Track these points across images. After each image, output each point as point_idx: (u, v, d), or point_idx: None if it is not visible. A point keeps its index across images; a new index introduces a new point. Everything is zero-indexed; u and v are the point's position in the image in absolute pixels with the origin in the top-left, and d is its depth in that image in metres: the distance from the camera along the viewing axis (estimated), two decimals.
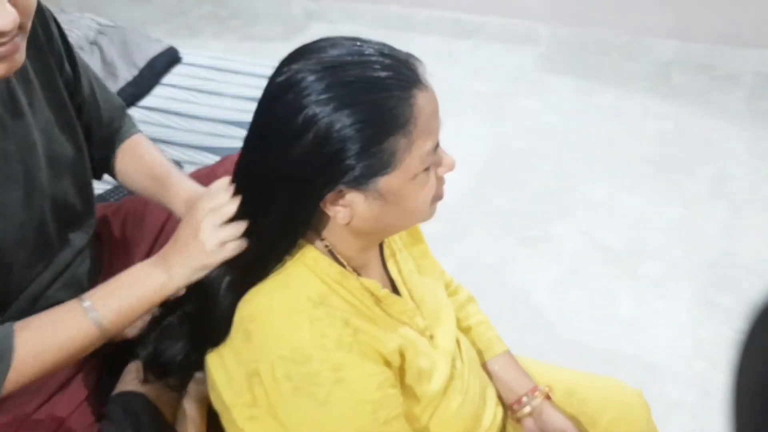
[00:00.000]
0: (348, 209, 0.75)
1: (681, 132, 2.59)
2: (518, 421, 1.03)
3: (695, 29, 2.94)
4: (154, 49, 2.02)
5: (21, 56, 0.76)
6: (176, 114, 1.80)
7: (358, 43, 0.74)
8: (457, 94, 2.81)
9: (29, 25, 0.77)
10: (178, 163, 1.60)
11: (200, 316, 0.82)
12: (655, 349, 1.80)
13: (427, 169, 0.76)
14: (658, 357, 1.77)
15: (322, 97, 0.69)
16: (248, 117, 0.78)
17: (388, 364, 0.80)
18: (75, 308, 0.81)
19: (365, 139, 0.70)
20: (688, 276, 1.99)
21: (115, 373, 0.97)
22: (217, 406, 0.83)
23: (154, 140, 1.70)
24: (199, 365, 0.83)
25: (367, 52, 0.72)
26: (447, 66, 3.03)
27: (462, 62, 3.09)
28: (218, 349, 0.79)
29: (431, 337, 0.90)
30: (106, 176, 1.16)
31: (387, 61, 0.72)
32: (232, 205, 0.79)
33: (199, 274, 0.82)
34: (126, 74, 1.92)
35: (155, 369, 0.88)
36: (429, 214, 0.82)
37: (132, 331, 0.95)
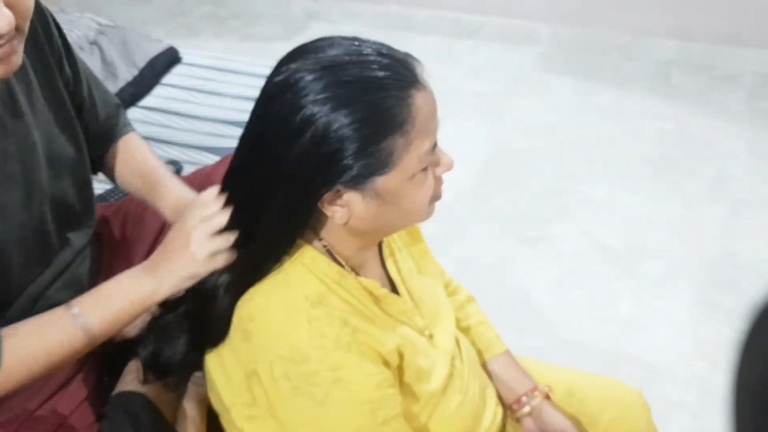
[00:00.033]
0: (346, 209, 0.75)
1: (681, 132, 2.59)
2: (518, 420, 1.03)
3: (695, 29, 2.94)
4: (154, 49, 2.02)
5: (18, 58, 0.76)
6: (176, 114, 1.80)
7: (356, 43, 0.74)
8: (457, 94, 2.81)
9: (27, 27, 0.77)
10: (177, 163, 1.60)
11: (199, 316, 0.82)
12: (655, 349, 1.80)
13: (425, 169, 0.76)
14: (658, 357, 1.77)
15: (320, 96, 0.69)
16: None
17: (386, 363, 0.80)
18: (63, 315, 0.82)
19: (363, 139, 0.70)
20: (688, 276, 1.99)
21: (115, 373, 0.97)
22: (216, 406, 0.83)
23: (154, 140, 1.71)
24: (198, 365, 0.83)
25: (365, 52, 0.72)
26: (447, 66, 3.03)
27: (462, 62, 3.09)
28: (217, 349, 0.79)
29: (430, 336, 0.90)
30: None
31: (385, 60, 0.72)
32: (224, 216, 0.79)
33: (187, 284, 0.82)
34: (126, 74, 1.92)
35: (155, 369, 0.88)
36: (427, 213, 0.82)
37: (132, 331, 0.95)
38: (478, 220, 2.21)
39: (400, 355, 0.82)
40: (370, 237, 0.82)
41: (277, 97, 0.72)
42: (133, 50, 2.00)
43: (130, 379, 0.94)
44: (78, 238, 1.04)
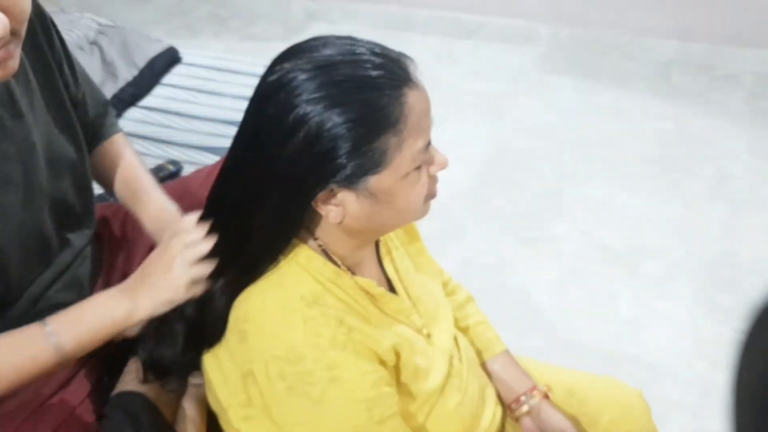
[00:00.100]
0: (340, 208, 0.75)
1: (681, 132, 2.58)
2: (517, 420, 1.03)
3: (695, 29, 2.94)
4: (154, 49, 2.02)
5: (15, 62, 0.76)
6: (176, 114, 1.80)
7: (350, 42, 0.74)
8: (457, 94, 2.81)
9: (23, 31, 0.76)
10: (177, 163, 1.60)
11: (196, 316, 0.82)
12: (655, 349, 1.80)
13: (418, 168, 0.76)
14: (658, 357, 1.77)
15: (314, 96, 0.70)
16: None
17: (383, 362, 0.80)
18: (37, 332, 0.81)
19: (356, 138, 0.70)
20: (688, 276, 1.99)
21: (115, 373, 0.97)
22: (214, 406, 0.83)
23: (154, 140, 1.71)
24: (196, 366, 0.83)
25: (358, 51, 0.72)
26: (447, 66, 3.03)
27: (462, 62, 3.09)
28: (214, 349, 0.80)
29: (428, 335, 0.90)
30: None
31: (378, 60, 0.72)
32: (207, 244, 0.80)
33: (164, 308, 0.83)
34: (126, 74, 1.92)
35: (153, 369, 0.88)
36: (422, 212, 0.82)
37: (132, 331, 0.95)
38: (478, 220, 2.21)
39: (397, 354, 0.82)
40: (365, 236, 0.82)
41: (271, 97, 0.72)
42: (133, 50, 2.00)
43: (130, 379, 0.94)
44: (78, 239, 1.04)
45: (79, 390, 0.97)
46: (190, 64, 2.02)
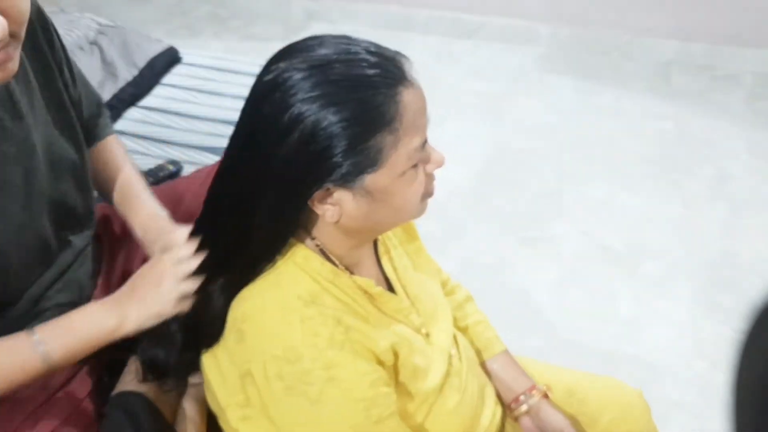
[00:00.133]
0: (336, 207, 0.75)
1: (681, 132, 2.58)
2: (516, 419, 1.03)
3: (695, 29, 2.94)
4: (154, 49, 2.02)
5: (14, 65, 0.76)
6: (176, 114, 1.80)
7: (345, 42, 0.74)
8: (457, 94, 2.81)
9: (22, 33, 0.76)
10: (177, 163, 1.60)
11: (194, 317, 0.82)
12: (655, 349, 1.80)
13: (415, 166, 0.76)
14: (658, 357, 1.77)
15: (309, 95, 0.70)
16: None
17: (381, 362, 0.80)
18: (25, 341, 0.82)
19: (351, 137, 0.70)
20: (688, 276, 1.99)
21: (115, 373, 0.98)
22: (212, 406, 0.83)
23: (154, 140, 1.71)
24: (196, 366, 0.84)
25: (354, 50, 0.73)
26: (447, 66, 3.03)
27: (462, 62, 3.09)
28: (213, 349, 0.80)
29: (427, 334, 0.90)
30: None
31: (374, 59, 0.72)
32: (196, 261, 0.82)
33: (152, 322, 0.84)
34: (126, 74, 1.92)
35: (152, 369, 0.88)
36: (419, 211, 0.82)
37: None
38: (478, 220, 2.21)
39: (395, 354, 0.82)
40: (363, 235, 0.82)
41: (267, 97, 0.72)
42: (133, 50, 2.00)
43: (130, 379, 0.94)
44: (78, 240, 1.04)
45: (79, 390, 0.97)
46: (190, 64, 2.02)
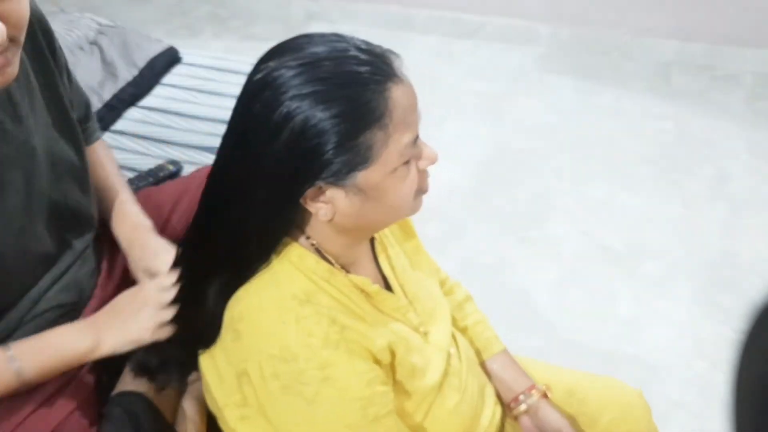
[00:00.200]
0: (329, 206, 0.75)
1: (681, 132, 2.58)
2: (515, 419, 1.03)
3: (695, 29, 2.94)
4: (154, 49, 2.01)
5: (14, 69, 0.76)
6: (176, 114, 1.80)
7: (336, 39, 0.74)
8: (457, 94, 2.81)
9: (22, 38, 0.76)
10: (177, 163, 1.60)
11: (191, 317, 0.82)
12: (655, 349, 1.80)
13: (407, 163, 0.76)
14: (658, 357, 1.77)
15: (298, 93, 0.70)
16: None
17: (377, 361, 0.80)
18: None
19: (341, 134, 0.70)
20: (688, 276, 1.99)
21: (115, 373, 0.98)
22: (211, 407, 0.83)
23: (154, 140, 1.71)
24: (193, 366, 0.84)
25: (343, 48, 0.73)
26: (447, 66, 3.03)
27: (462, 62, 3.09)
28: (210, 350, 0.80)
29: (425, 333, 0.90)
30: None
31: (363, 56, 0.72)
32: (174, 290, 0.83)
33: (129, 347, 0.86)
34: (126, 74, 1.92)
35: (150, 370, 0.88)
36: (413, 208, 0.82)
37: None
38: (478, 220, 2.21)
39: (392, 353, 0.82)
40: (357, 233, 0.82)
41: (257, 95, 0.72)
42: (133, 50, 2.00)
43: (130, 379, 0.94)
44: (79, 242, 1.04)
45: (79, 390, 0.97)
46: (190, 64, 2.02)
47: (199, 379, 0.90)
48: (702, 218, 2.19)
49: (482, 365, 1.05)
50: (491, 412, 0.98)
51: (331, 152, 0.71)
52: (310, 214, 0.77)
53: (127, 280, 1.05)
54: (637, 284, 1.98)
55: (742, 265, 2.02)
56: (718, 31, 2.91)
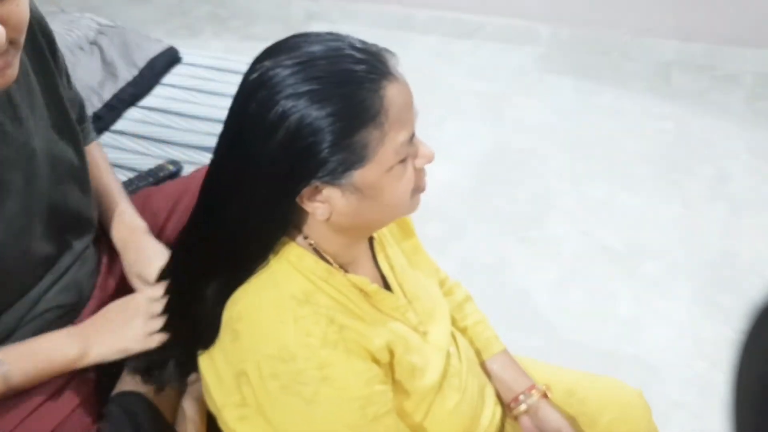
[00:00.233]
0: (326, 205, 0.75)
1: (681, 132, 2.58)
2: (515, 419, 1.03)
3: (695, 29, 2.94)
4: (154, 49, 2.01)
5: (13, 71, 0.76)
6: (176, 114, 1.80)
7: (331, 38, 0.74)
8: (457, 94, 2.81)
9: (22, 40, 0.76)
10: (177, 163, 1.60)
11: (189, 318, 0.82)
12: (655, 349, 1.80)
13: (403, 161, 0.76)
14: (658, 357, 1.77)
15: (294, 92, 0.70)
16: None
17: (376, 360, 0.80)
18: None
19: (336, 132, 0.70)
20: (688, 276, 1.99)
21: (115, 373, 0.97)
22: (210, 407, 0.83)
23: (154, 140, 1.71)
24: (192, 366, 0.84)
25: (339, 47, 0.73)
26: (447, 66, 3.03)
27: (462, 62, 3.09)
28: (209, 350, 0.80)
29: (424, 333, 0.90)
30: None
31: (359, 54, 0.72)
32: (163, 301, 0.84)
33: (117, 356, 0.87)
34: (126, 74, 1.92)
35: (150, 370, 0.88)
36: (410, 206, 0.82)
37: None
38: (478, 220, 2.21)
39: (391, 352, 0.82)
40: (355, 233, 0.82)
41: (252, 95, 0.72)
42: (133, 50, 2.00)
43: (130, 379, 0.94)
44: (78, 243, 1.04)
45: (79, 390, 0.97)
46: (190, 64, 2.02)
47: (198, 379, 0.90)
48: (702, 218, 2.19)
49: (482, 365, 1.05)
50: (491, 412, 0.98)
51: (326, 151, 0.70)
52: (307, 213, 0.77)
53: (126, 281, 1.05)
54: (637, 284, 1.98)
55: (742, 265, 2.02)
56: (718, 31, 2.91)
